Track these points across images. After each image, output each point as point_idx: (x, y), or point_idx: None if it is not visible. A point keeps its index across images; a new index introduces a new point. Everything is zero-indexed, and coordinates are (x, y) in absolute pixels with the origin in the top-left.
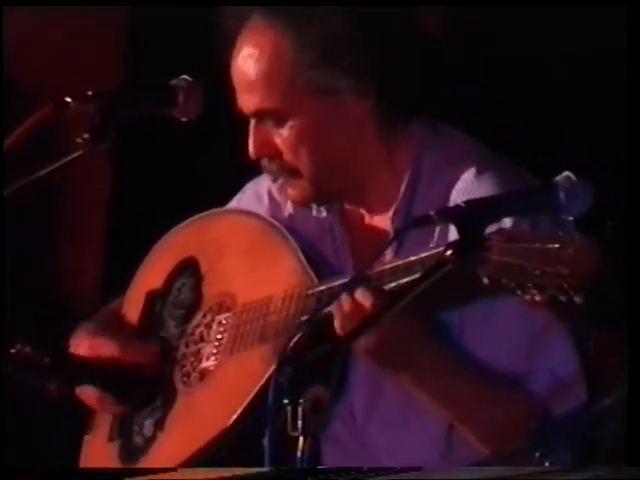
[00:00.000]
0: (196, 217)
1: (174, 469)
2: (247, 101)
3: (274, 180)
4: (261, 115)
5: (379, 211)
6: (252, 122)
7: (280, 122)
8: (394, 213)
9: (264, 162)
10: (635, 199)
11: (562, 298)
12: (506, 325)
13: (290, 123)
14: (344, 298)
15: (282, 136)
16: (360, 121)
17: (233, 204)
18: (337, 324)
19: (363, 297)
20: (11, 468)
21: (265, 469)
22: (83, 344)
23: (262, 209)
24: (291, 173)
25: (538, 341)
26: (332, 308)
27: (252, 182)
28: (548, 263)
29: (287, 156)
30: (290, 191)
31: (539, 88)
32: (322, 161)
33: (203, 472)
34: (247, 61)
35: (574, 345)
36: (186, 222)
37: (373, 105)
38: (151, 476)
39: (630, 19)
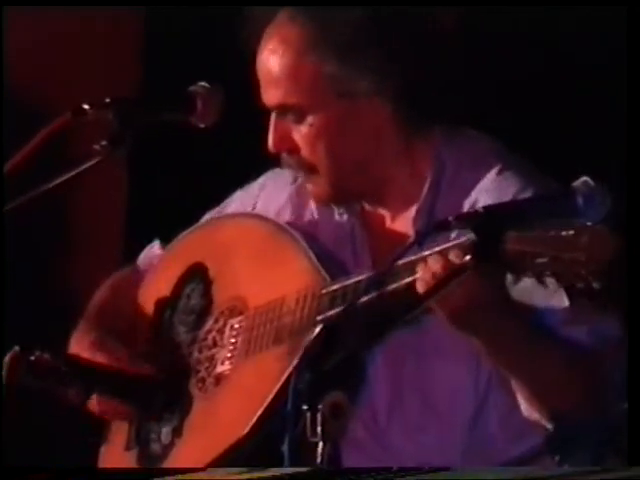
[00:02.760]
0: (201, 223)
1: (203, 469)
2: (270, 95)
3: (293, 180)
4: (283, 109)
5: (400, 212)
6: (273, 116)
7: (300, 118)
8: (416, 214)
9: (283, 156)
10: (635, 199)
11: (579, 285)
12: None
13: (310, 120)
14: (434, 257)
15: (301, 132)
16: (380, 123)
17: (252, 200)
18: (420, 283)
19: (456, 256)
20: (12, 468)
21: (293, 469)
22: (85, 353)
23: (286, 212)
24: (309, 169)
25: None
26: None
27: (272, 178)
28: (564, 250)
29: (305, 152)
30: (310, 188)
31: (539, 86)
32: (339, 159)
33: (232, 472)
34: (272, 56)
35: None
36: (191, 229)
37: (393, 108)
38: (179, 476)
39: (630, 19)
